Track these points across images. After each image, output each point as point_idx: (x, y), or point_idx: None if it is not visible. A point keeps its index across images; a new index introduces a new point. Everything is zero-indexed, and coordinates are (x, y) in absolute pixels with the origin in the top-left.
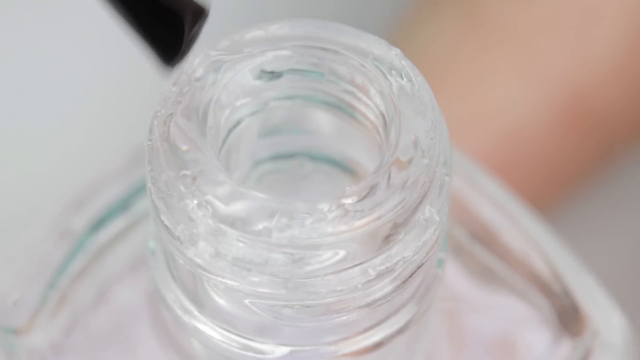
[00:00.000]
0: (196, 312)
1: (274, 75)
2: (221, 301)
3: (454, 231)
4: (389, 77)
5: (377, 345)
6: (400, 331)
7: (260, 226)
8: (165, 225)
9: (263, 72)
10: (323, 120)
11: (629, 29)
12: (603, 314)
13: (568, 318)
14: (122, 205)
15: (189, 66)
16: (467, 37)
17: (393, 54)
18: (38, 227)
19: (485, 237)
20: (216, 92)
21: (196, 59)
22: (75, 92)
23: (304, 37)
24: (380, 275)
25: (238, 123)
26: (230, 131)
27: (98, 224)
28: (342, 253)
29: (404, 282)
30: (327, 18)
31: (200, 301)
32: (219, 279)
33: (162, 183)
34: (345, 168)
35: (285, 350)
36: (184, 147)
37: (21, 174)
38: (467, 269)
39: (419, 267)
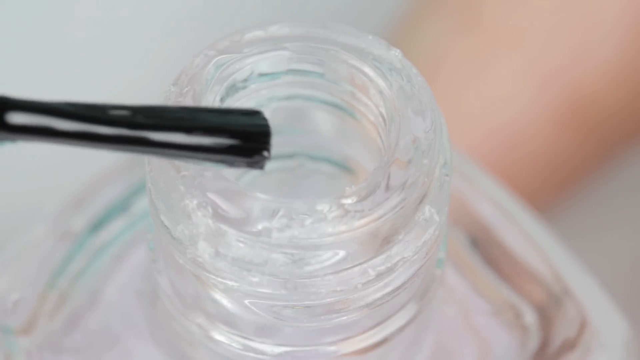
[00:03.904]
0: (196, 313)
1: (273, 75)
2: (221, 301)
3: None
4: (389, 77)
5: (377, 345)
6: (400, 331)
7: (260, 226)
8: (165, 226)
9: (262, 73)
10: (323, 121)
11: (629, 28)
12: (603, 314)
13: (567, 317)
14: (122, 206)
15: (189, 66)
16: (466, 38)
17: (392, 54)
18: (38, 227)
19: (485, 237)
20: (216, 92)
21: (196, 59)
22: (75, 92)
23: (304, 37)
24: (380, 276)
25: None
26: None
27: (98, 224)
28: (342, 253)
29: (404, 282)
30: (326, 18)
31: (200, 301)
32: (219, 279)
33: (161, 183)
34: (345, 168)
35: (285, 350)
36: None
37: (21, 174)
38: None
39: (419, 268)
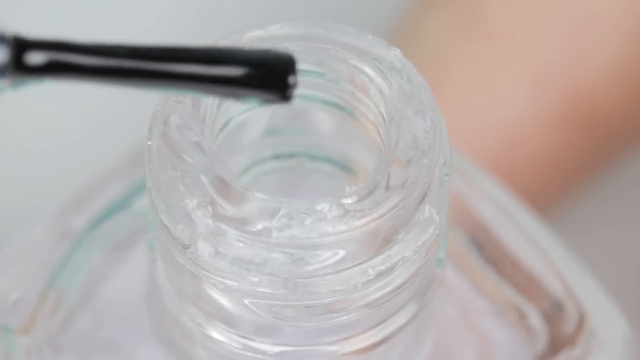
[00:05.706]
0: (196, 313)
1: None
2: (221, 301)
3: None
4: (389, 77)
5: (378, 345)
6: (400, 330)
7: (260, 226)
8: (165, 225)
9: None
10: (323, 120)
11: (628, 28)
12: (603, 314)
13: (568, 317)
14: (122, 205)
15: None
16: (466, 37)
17: (393, 54)
18: (38, 227)
19: (485, 237)
20: None
21: None
22: (75, 92)
23: (304, 36)
24: (379, 275)
25: (230, 122)
26: (220, 130)
27: (97, 223)
28: (341, 253)
29: (404, 282)
30: (326, 18)
31: (200, 301)
32: (219, 278)
33: (161, 183)
34: (345, 168)
35: (285, 350)
36: (184, 147)
37: (21, 174)
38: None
39: (419, 267)
